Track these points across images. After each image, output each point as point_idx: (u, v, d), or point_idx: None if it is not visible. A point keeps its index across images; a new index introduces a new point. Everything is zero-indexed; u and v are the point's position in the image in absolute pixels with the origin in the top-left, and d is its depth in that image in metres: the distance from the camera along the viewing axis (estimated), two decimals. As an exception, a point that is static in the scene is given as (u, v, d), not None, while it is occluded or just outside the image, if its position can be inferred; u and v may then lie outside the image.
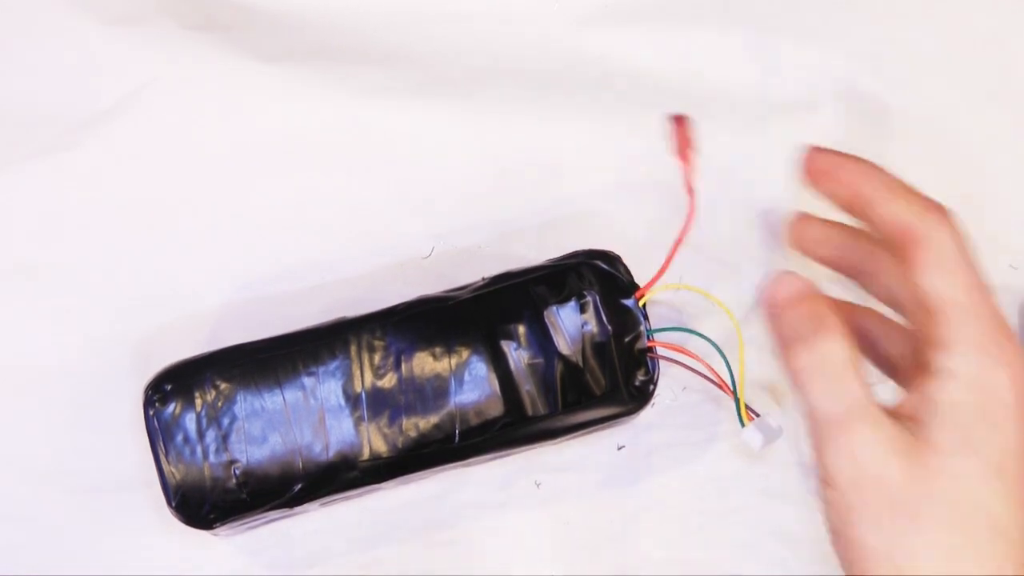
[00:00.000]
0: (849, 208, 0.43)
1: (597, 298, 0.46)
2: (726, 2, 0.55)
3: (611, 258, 0.47)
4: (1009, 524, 0.37)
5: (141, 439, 0.46)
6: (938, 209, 0.40)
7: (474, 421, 0.46)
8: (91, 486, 0.49)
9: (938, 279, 0.39)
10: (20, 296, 0.51)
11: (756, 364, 0.48)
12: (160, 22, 0.52)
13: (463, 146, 0.53)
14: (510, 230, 0.53)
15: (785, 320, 0.40)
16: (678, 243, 0.46)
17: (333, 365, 0.46)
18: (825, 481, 0.39)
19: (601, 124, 0.54)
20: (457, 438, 0.46)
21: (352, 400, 0.46)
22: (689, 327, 0.49)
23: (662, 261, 0.46)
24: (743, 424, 0.46)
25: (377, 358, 0.46)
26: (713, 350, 0.47)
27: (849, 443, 0.38)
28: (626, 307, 0.47)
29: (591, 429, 0.47)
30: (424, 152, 0.53)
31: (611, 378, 0.46)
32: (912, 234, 0.40)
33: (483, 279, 0.48)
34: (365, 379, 0.46)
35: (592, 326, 0.46)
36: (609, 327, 0.46)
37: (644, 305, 0.47)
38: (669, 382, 0.50)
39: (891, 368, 0.45)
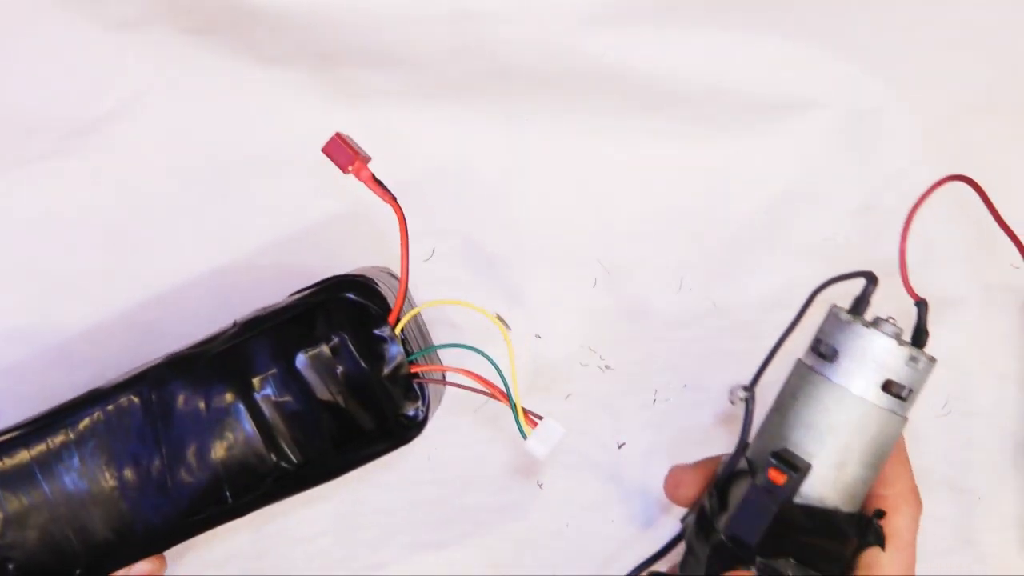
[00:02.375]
0: None
1: (346, 338, 0.45)
2: (726, 2, 0.55)
3: (362, 286, 0.45)
4: None
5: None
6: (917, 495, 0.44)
7: (243, 478, 0.45)
8: None
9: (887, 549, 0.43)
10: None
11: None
12: (160, 26, 0.52)
13: (463, 146, 0.53)
14: (509, 228, 0.53)
15: None
16: (404, 255, 0.43)
17: (92, 442, 0.44)
18: None
19: (602, 124, 0.54)
20: (230, 498, 0.45)
21: (115, 474, 0.44)
22: (465, 343, 0.46)
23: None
24: (524, 435, 0.44)
25: (135, 426, 0.45)
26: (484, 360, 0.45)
27: None
28: (381, 337, 0.45)
29: (371, 461, 0.46)
30: (424, 152, 0.53)
31: (377, 414, 0.45)
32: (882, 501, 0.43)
33: (234, 323, 0.46)
34: (127, 451, 0.44)
35: (346, 367, 0.45)
36: (363, 365, 0.45)
37: (401, 331, 0.45)
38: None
39: None
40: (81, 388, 0.49)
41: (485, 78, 0.54)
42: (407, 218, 0.44)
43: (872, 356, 0.42)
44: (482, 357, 0.45)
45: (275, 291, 0.51)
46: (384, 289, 0.45)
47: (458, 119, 0.53)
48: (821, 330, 0.44)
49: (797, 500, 0.42)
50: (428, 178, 0.53)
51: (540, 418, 0.44)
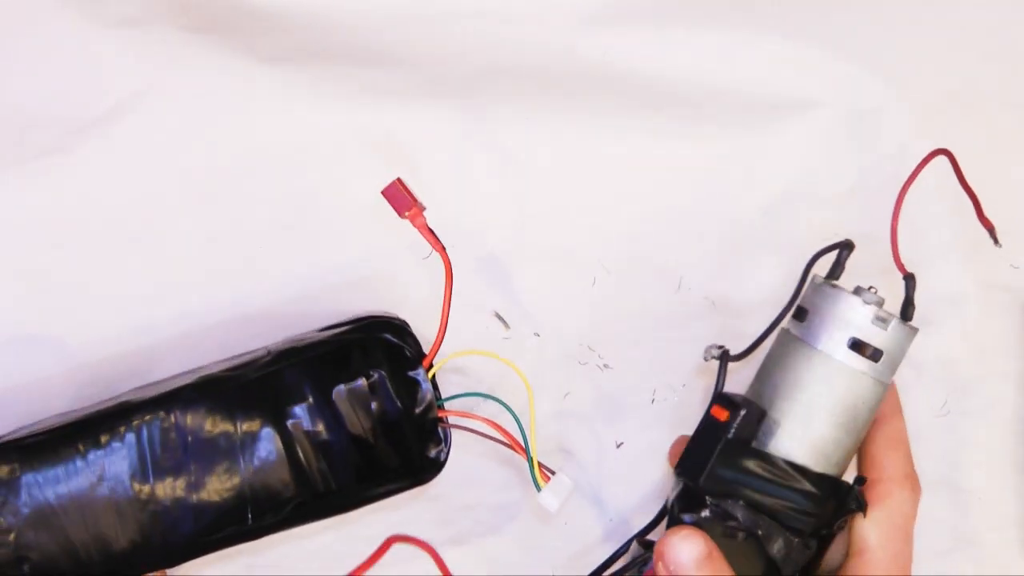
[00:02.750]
0: None
1: (384, 376, 0.46)
2: (726, 3, 0.55)
3: (397, 328, 0.47)
4: None
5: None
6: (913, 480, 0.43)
7: (266, 503, 0.45)
8: None
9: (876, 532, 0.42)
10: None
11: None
12: (161, 24, 0.52)
13: (463, 146, 0.53)
14: (509, 226, 0.53)
15: None
16: (447, 304, 0.46)
17: (120, 453, 0.45)
18: None
19: (601, 124, 0.54)
20: (250, 519, 0.45)
21: (141, 486, 0.45)
22: (483, 391, 0.49)
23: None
24: (539, 488, 0.46)
25: (165, 443, 0.45)
26: (506, 412, 0.48)
27: None
28: (414, 379, 0.46)
29: (389, 497, 0.47)
30: (424, 152, 0.53)
31: (404, 453, 0.46)
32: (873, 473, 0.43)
33: (268, 352, 0.47)
34: (153, 464, 0.45)
35: (381, 404, 0.46)
36: (399, 404, 0.46)
37: (433, 375, 0.47)
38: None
39: None
40: (82, 391, 0.49)
41: (485, 78, 0.54)
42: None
43: (837, 314, 0.43)
44: (501, 406, 0.48)
45: (274, 288, 0.51)
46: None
47: (458, 119, 0.53)
48: (802, 298, 0.46)
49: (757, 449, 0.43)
50: (428, 177, 0.53)
51: (553, 473, 0.47)
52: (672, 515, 0.43)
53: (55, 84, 0.51)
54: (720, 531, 0.42)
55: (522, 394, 0.48)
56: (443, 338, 0.46)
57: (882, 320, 0.43)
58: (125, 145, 0.51)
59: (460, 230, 0.53)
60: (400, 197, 0.46)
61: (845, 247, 0.45)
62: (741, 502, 0.42)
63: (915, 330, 0.44)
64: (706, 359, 0.46)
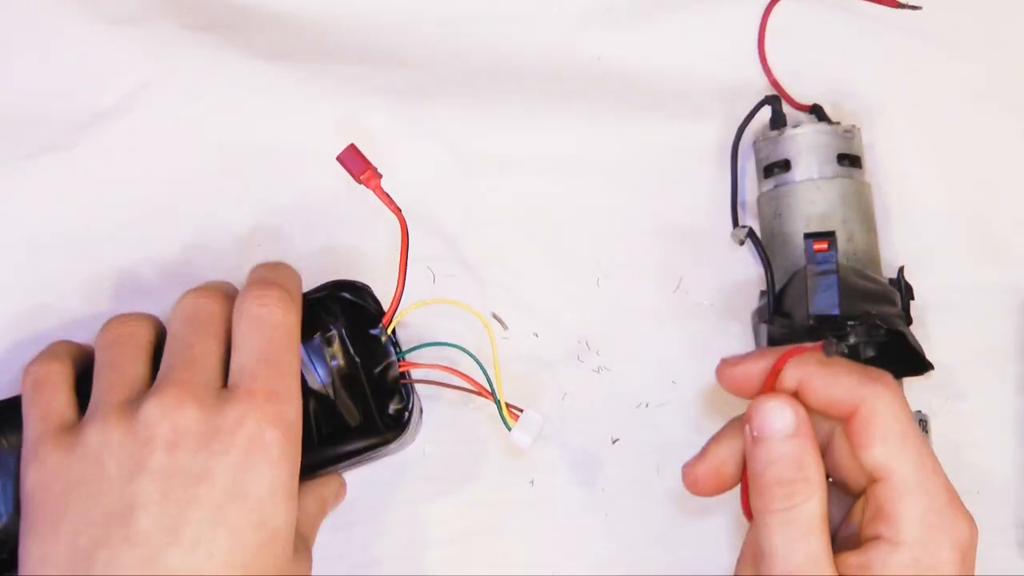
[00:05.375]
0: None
1: (343, 331, 0.46)
2: (726, 3, 0.55)
3: (358, 288, 0.47)
4: None
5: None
6: (876, 378, 0.40)
7: None
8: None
9: (885, 453, 0.39)
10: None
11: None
12: (160, 22, 0.52)
13: (463, 146, 0.53)
14: (508, 227, 0.53)
15: (771, 456, 0.39)
16: (403, 264, 0.45)
17: None
18: None
19: (600, 124, 0.54)
20: None
21: None
22: (444, 340, 0.49)
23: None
24: (509, 428, 0.46)
25: None
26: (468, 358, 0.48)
27: None
28: (374, 336, 0.46)
29: (354, 460, 0.47)
30: (424, 151, 0.53)
31: (364, 410, 0.46)
32: (853, 408, 0.39)
33: None
34: None
35: (340, 360, 0.46)
36: (357, 359, 0.46)
37: (393, 331, 0.46)
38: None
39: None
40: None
41: (485, 78, 0.54)
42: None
43: (819, 144, 0.49)
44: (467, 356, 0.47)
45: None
46: (379, 295, 0.47)
47: (458, 119, 0.53)
48: (761, 160, 0.51)
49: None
50: (428, 177, 0.53)
51: (521, 410, 0.46)
52: (829, 342, 0.40)
53: (55, 81, 0.52)
54: (866, 347, 0.46)
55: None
56: (401, 295, 0.45)
57: (848, 132, 0.50)
58: (124, 142, 0.52)
59: (459, 228, 0.53)
60: (355, 161, 0.46)
61: (773, 100, 0.51)
62: (874, 312, 0.45)
63: (860, 127, 0.51)
64: (741, 242, 0.50)
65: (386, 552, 0.50)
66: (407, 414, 0.46)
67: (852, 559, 0.39)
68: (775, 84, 0.53)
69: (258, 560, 0.39)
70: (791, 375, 0.40)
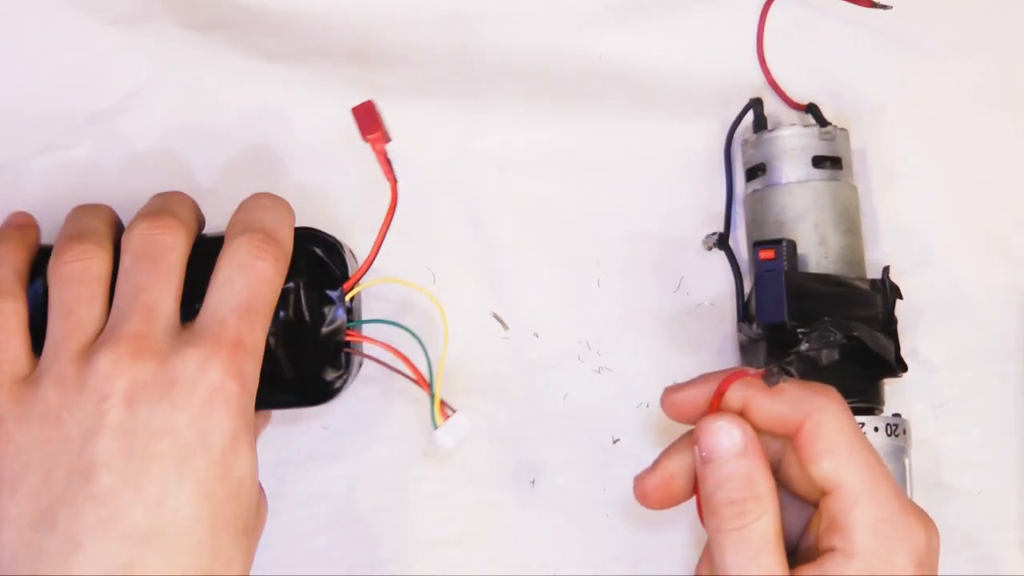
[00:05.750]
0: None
1: (300, 287, 0.45)
2: (726, 3, 0.55)
3: (329, 246, 0.45)
4: None
5: None
6: (820, 392, 0.40)
7: None
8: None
9: (833, 465, 0.39)
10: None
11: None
12: (160, 22, 0.52)
13: (463, 146, 0.53)
14: (508, 227, 0.53)
15: (720, 476, 0.39)
16: (383, 233, 0.44)
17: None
18: None
19: (600, 124, 0.54)
20: None
21: None
22: (399, 321, 0.48)
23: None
24: (436, 425, 0.45)
25: None
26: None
27: None
28: (330, 299, 0.45)
29: (274, 407, 0.46)
30: (424, 151, 0.53)
31: (300, 367, 0.45)
32: (799, 424, 0.39)
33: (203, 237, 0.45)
34: None
35: (290, 313, 0.44)
36: (308, 318, 0.45)
37: (353, 299, 0.45)
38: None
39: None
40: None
41: (485, 78, 0.54)
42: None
43: (792, 148, 0.49)
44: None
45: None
46: (349, 259, 0.46)
47: (458, 119, 0.53)
48: (744, 163, 0.51)
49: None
50: (428, 177, 0.53)
51: (454, 411, 0.45)
52: (770, 371, 0.40)
53: (55, 81, 0.52)
54: (824, 353, 0.46)
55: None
56: (371, 264, 0.44)
57: (827, 134, 0.50)
58: (125, 142, 0.51)
59: (459, 229, 0.53)
60: (369, 119, 0.44)
61: (756, 103, 0.52)
62: (827, 319, 0.45)
63: (846, 130, 0.51)
64: (709, 248, 0.51)
65: (387, 553, 0.50)
66: (341, 383, 0.45)
67: (807, 571, 0.39)
68: (773, 84, 0.53)
69: (225, 511, 0.39)
70: (736, 396, 0.40)
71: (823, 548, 0.39)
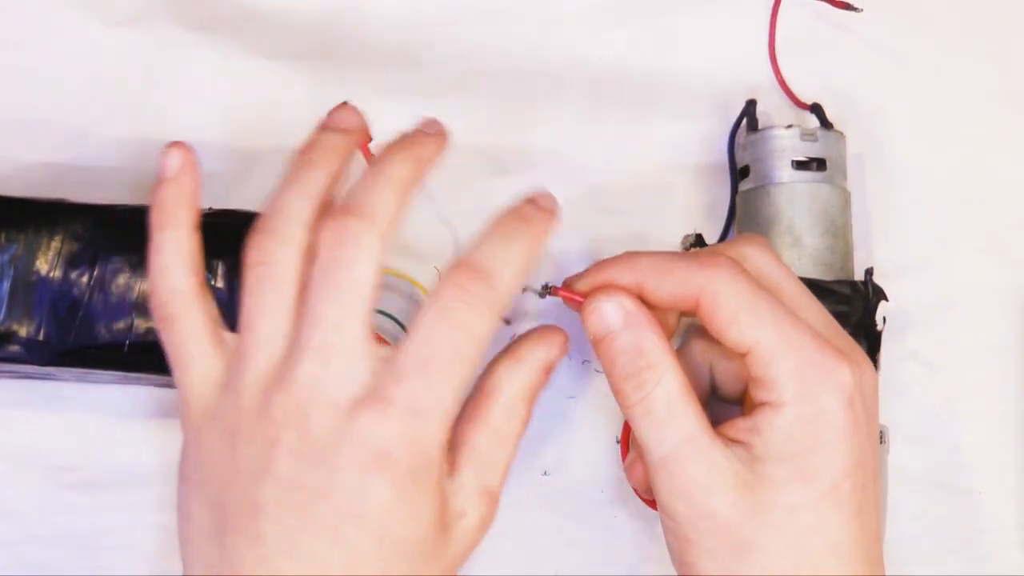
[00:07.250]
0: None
1: (229, 265, 0.45)
2: (726, 3, 0.55)
3: None
4: (847, 544, 0.38)
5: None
6: (709, 262, 0.39)
7: (146, 337, 0.45)
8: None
9: (740, 330, 0.39)
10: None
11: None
12: (162, 23, 0.52)
13: (462, 146, 0.53)
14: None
15: (611, 354, 0.39)
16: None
17: (35, 241, 0.45)
18: (664, 511, 0.39)
19: (601, 124, 0.54)
20: (127, 348, 0.45)
21: (39, 279, 0.45)
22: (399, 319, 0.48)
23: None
24: None
25: (76, 248, 0.45)
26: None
27: (681, 481, 0.38)
28: None
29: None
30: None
31: None
32: (695, 298, 0.39)
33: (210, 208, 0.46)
34: (58, 263, 0.45)
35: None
36: (226, 297, 0.45)
37: None
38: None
39: (727, 392, 0.43)
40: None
41: (485, 78, 0.54)
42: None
43: (772, 149, 0.49)
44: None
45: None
46: None
47: (458, 119, 0.53)
48: (738, 164, 0.51)
49: None
50: (427, 176, 0.53)
51: None
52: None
53: (55, 81, 0.51)
54: None
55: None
56: None
57: (810, 135, 0.49)
58: (124, 142, 0.51)
59: (459, 230, 0.53)
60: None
61: (750, 104, 0.52)
62: None
63: (842, 134, 0.50)
64: (686, 248, 0.50)
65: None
66: None
67: (741, 423, 0.39)
68: (783, 84, 0.54)
69: (381, 570, 0.37)
70: (627, 279, 0.40)
71: (755, 404, 0.39)
